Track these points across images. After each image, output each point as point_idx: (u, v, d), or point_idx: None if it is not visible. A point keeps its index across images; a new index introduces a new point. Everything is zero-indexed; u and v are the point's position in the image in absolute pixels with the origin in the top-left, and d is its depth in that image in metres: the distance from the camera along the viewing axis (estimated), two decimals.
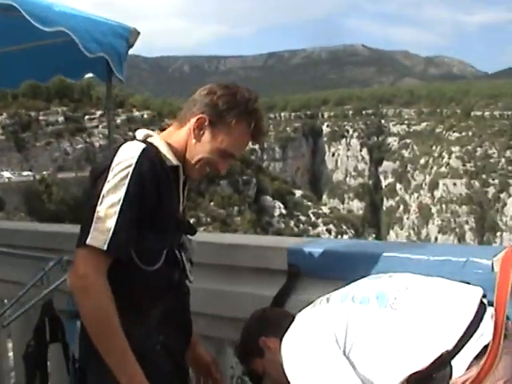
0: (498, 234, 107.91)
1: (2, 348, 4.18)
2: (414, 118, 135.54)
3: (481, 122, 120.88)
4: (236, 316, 2.76)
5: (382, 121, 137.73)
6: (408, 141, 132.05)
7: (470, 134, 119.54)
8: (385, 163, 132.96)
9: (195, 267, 2.35)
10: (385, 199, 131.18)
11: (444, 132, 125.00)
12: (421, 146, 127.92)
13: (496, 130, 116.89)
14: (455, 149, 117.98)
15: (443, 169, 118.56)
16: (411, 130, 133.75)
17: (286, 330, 2.18)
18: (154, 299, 2.15)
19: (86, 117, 73.63)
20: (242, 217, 75.13)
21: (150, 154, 2.05)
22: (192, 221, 2.34)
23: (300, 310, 2.25)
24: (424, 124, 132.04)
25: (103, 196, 1.97)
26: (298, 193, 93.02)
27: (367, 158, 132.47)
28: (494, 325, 1.87)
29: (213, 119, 2.12)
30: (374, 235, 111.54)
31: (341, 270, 2.55)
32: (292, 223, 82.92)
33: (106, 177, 1.99)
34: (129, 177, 1.98)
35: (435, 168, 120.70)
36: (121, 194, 1.97)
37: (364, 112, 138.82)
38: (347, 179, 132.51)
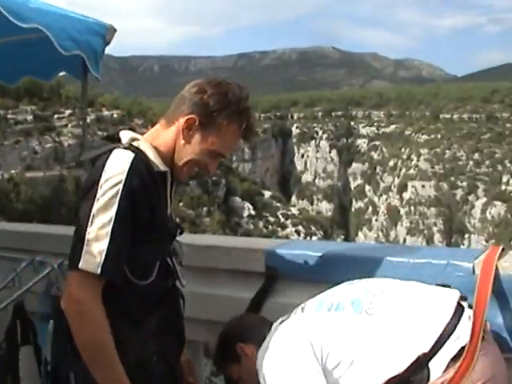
0: (466, 236, 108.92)
1: None
2: (383, 121, 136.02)
3: (449, 124, 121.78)
4: (212, 319, 2.75)
5: (352, 123, 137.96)
6: (377, 143, 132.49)
7: (439, 136, 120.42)
8: (354, 165, 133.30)
9: None
10: (354, 201, 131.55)
11: (413, 134, 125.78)
12: (390, 148, 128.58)
13: (464, 133, 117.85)
14: (424, 151, 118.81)
15: (412, 171, 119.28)
16: (380, 132, 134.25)
17: (264, 337, 2.17)
18: (149, 310, 2.09)
19: (55, 116, 72.57)
20: (211, 217, 74.74)
21: (138, 166, 1.95)
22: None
23: (278, 314, 2.24)
24: (393, 126, 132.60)
25: (93, 216, 1.88)
26: (267, 194, 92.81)
27: (336, 159, 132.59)
28: (472, 326, 1.88)
29: (203, 120, 2.03)
30: (342, 236, 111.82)
31: (319, 272, 2.54)
32: (261, 224, 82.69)
33: (95, 195, 1.90)
34: (119, 195, 1.89)
35: (404, 170, 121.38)
36: (111, 213, 1.88)
37: (333, 114, 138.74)
38: (316, 180, 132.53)
